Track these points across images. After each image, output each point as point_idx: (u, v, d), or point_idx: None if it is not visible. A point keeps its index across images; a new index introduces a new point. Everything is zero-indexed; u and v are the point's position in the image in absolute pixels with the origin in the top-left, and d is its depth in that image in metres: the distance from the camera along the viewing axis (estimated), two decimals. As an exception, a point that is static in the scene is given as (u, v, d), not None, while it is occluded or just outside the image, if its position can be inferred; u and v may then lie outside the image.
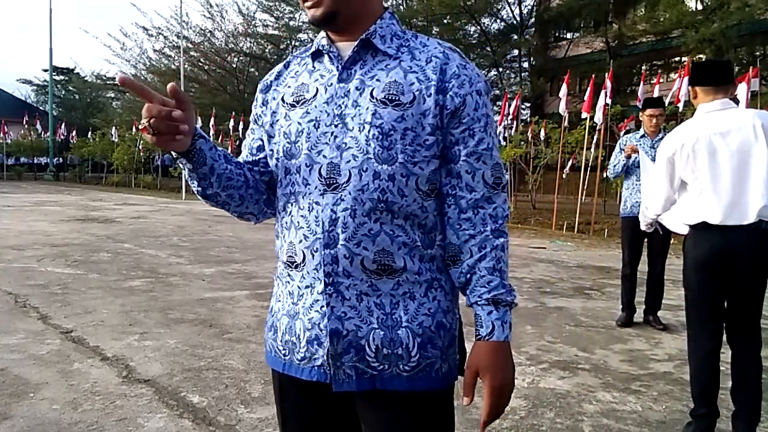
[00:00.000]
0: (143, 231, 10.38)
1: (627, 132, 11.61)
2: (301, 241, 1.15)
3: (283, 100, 1.21)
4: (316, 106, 1.15)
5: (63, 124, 35.77)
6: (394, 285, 1.13)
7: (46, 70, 40.55)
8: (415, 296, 1.15)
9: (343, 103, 1.13)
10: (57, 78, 43.27)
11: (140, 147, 26.44)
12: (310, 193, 1.14)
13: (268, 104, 1.25)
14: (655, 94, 12.22)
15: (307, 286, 1.16)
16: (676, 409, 3.15)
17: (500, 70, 27.39)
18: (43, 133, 36.54)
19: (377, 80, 1.13)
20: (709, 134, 2.64)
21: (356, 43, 1.15)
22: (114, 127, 30.07)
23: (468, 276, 1.15)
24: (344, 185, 1.11)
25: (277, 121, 1.21)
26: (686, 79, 11.04)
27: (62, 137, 35.05)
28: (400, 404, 1.15)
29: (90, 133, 33.52)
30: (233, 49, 34.25)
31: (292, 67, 1.26)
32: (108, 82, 44.02)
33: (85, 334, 4.18)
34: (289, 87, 1.22)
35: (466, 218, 1.15)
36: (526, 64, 25.75)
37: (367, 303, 1.13)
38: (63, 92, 47.01)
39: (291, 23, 31.86)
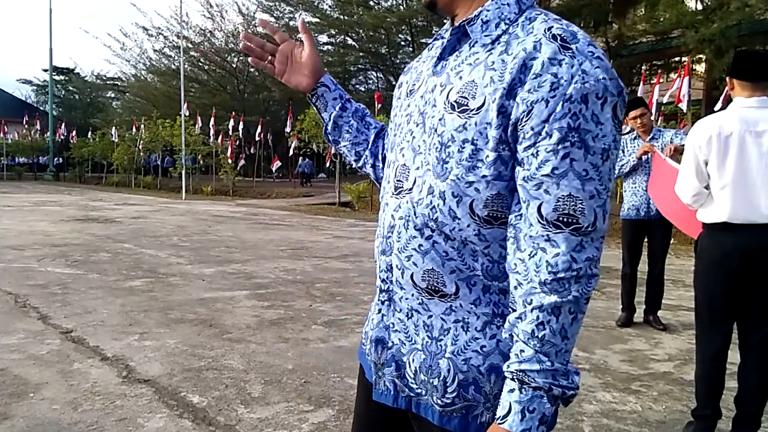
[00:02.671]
0: (143, 231, 10.38)
1: (626, 133, 11.62)
2: (376, 239, 1.12)
3: (405, 87, 1.14)
4: (415, 99, 1.06)
5: (63, 124, 35.83)
6: (446, 309, 1.00)
7: (46, 70, 40.65)
8: (468, 328, 0.99)
9: (429, 99, 1.01)
10: (57, 78, 43.31)
11: (140, 147, 26.44)
12: (386, 192, 1.08)
13: (401, 87, 1.17)
14: (655, 94, 12.23)
15: (378, 285, 1.12)
16: (676, 409, 3.15)
17: (500, 70, 27.35)
18: (43, 133, 36.58)
19: (459, 78, 0.97)
20: (743, 131, 2.55)
21: (452, 29, 1.01)
22: (114, 127, 30.12)
23: (509, 335, 0.94)
24: (406, 192, 1.02)
25: (396, 107, 1.15)
26: (686, 79, 11.05)
27: (62, 137, 35.10)
28: None
29: (90, 133, 33.58)
30: (233, 49, 34.24)
31: (429, 51, 1.14)
32: (108, 82, 44.11)
33: (85, 334, 4.18)
34: (413, 73, 1.13)
35: (521, 259, 0.91)
36: (526, 64, 25.67)
37: (415, 320, 1.03)
38: (63, 92, 47.09)
39: (291, 23, 31.85)
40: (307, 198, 20.45)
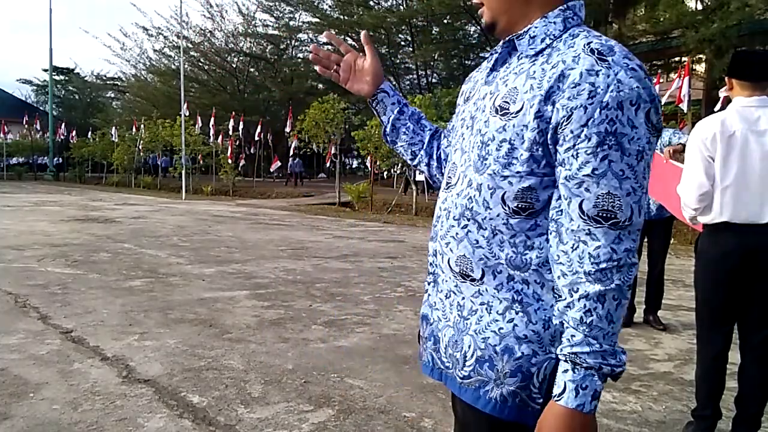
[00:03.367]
0: (143, 231, 10.38)
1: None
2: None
3: (464, 95, 1.26)
4: (468, 105, 1.19)
5: (63, 124, 35.81)
6: (474, 292, 1.11)
7: (46, 70, 40.62)
8: (491, 310, 1.09)
9: (480, 105, 1.13)
10: (57, 78, 43.30)
11: (140, 147, 26.42)
12: (440, 187, 1.25)
13: (461, 95, 1.28)
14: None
15: (427, 268, 1.26)
16: (676, 409, 3.15)
17: (500, 70, 27.34)
18: (43, 133, 36.56)
19: (505, 85, 1.09)
20: (746, 130, 2.54)
21: (503, 43, 1.14)
22: (114, 127, 30.09)
23: (560, 321, 1.03)
24: (452, 186, 1.16)
25: (456, 113, 1.28)
26: (686, 79, 11.04)
27: (62, 137, 35.08)
28: (464, 412, 1.17)
29: (90, 133, 33.56)
30: (233, 49, 34.26)
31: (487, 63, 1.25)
32: (108, 82, 44.10)
33: (85, 334, 4.18)
34: (472, 82, 1.26)
35: (564, 251, 1.00)
36: (526, 64, 25.70)
37: (451, 300, 1.16)
38: (63, 92, 47.07)
39: (291, 23, 31.85)
40: (307, 198, 20.46)
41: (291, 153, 24.90)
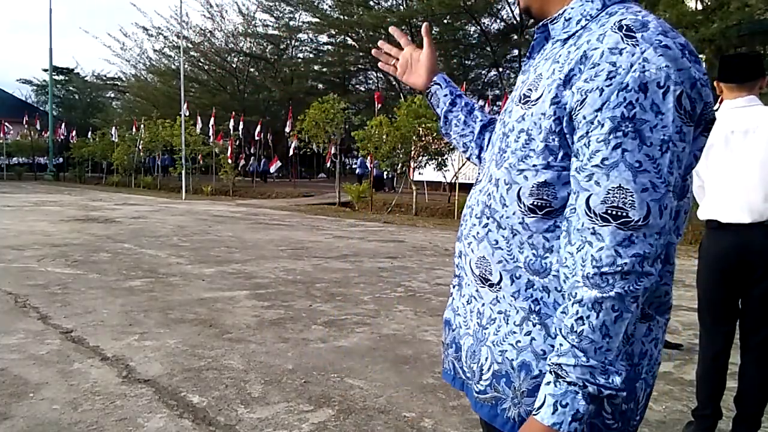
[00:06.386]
0: (143, 231, 10.38)
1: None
2: None
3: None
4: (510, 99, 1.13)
5: (63, 124, 35.80)
6: (492, 299, 1.02)
7: (46, 70, 40.60)
8: (509, 320, 1.00)
9: (513, 96, 1.06)
10: (57, 78, 43.28)
11: (140, 147, 26.42)
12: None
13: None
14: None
15: (454, 270, 1.21)
16: (676, 409, 3.15)
17: (500, 70, 27.37)
18: (43, 133, 36.56)
19: (534, 72, 1.00)
20: (731, 131, 2.58)
21: (537, 29, 1.06)
22: (114, 127, 30.09)
23: (558, 328, 0.92)
24: (478, 182, 1.10)
25: None
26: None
27: (62, 137, 35.08)
28: (487, 427, 1.08)
29: (90, 133, 33.55)
30: (233, 49, 34.27)
31: None
32: (108, 82, 44.10)
33: (85, 334, 4.17)
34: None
35: (570, 252, 0.89)
36: (526, 64, 25.74)
37: (472, 306, 1.08)
38: (63, 92, 47.04)
39: (291, 23, 31.87)
40: (307, 198, 20.47)
41: (292, 153, 24.88)
